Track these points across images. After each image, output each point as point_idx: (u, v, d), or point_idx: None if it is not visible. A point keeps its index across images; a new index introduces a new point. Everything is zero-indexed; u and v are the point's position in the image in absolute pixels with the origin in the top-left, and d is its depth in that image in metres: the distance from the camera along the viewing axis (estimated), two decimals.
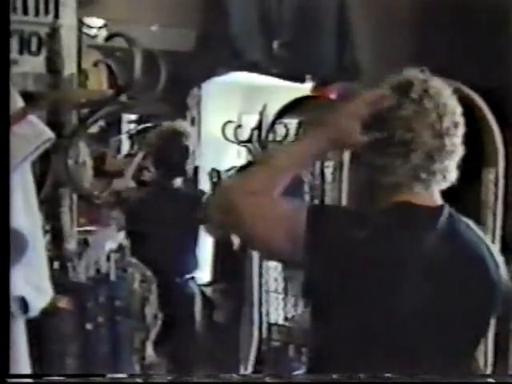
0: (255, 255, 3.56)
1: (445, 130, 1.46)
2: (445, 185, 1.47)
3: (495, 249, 1.56)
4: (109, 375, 1.43)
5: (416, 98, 1.44)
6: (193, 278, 3.42)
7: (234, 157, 4.45)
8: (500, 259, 1.54)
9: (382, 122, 1.44)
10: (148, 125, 4.54)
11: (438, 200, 1.48)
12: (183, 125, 3.63)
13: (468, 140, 2.77)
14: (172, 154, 3.36)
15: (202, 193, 3.54)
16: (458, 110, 1.53)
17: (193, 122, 4.54)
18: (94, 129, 3.88)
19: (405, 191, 1.46)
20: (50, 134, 1.59)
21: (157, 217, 3.17)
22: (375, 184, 1.49)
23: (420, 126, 1.44)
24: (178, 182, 3.44)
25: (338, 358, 1.44)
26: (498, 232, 2.69)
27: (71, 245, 2.04)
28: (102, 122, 3.94)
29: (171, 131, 3.46)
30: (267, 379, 1.37)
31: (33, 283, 1.53)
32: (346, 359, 1.42)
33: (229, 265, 3.82)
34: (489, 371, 2.58)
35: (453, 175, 1.48)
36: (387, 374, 1.36)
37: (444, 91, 1.52)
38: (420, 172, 1.45)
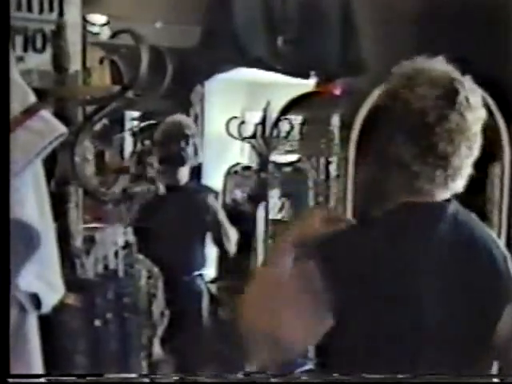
0: (260, 250, 3.57)
1: (475, 142, 1.44)
2: (461, 183, 1.45)
3: (501, 243, 1.56)
4: (110, 375, 1.42)
5: (460, 110, 1.40)
6: (200, 275, 3.42)
7: (238, 153, 4.46)
8: (507, 253, 1.54)
9: (429, 131, 1.39)
10: (151, 122, 4.54)
11: (444, 195, 1.46)
12: (183, 117, 3.61)
13: None
14: (174, 144, 3.36)
15: (208, 189, 3.54)
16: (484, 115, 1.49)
17: (196, 119, 4.55)
18: (97, 126, 3.88)
19: (414, 191, 1.44)
20: (63, 128, 1.58)
21: (163, 213, 3.18)
22: (388, 186, 1.47)
23: (460, 138, 1.40)
24: (183, 176, 3.43)
25: (346, 353, 1.44)
26: (504, 227, 2.68)
27: (78, 242, 2.04)
28: (105, 120, 3.94)
29: (172, 123, 3.47)
30: (272, 379, 1.37)
31: (45, 279, 1.53)
32: (355, 355, 1.42)
33: (233, 261, 3.82)
34: (494, 371, 2.58)
35: (467, 172, 1.46)
36: (389, 375, 1.36)
37: (478, 99, 1.47)
38: (448, 179, 1.43)
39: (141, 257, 2.15)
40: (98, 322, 1.84)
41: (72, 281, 1.81)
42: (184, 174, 3.43)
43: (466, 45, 2.80)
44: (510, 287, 1.50)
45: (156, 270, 2.21)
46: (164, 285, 2.27)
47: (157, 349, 2.25)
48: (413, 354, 1.42)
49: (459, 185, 1.45)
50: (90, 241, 2.09)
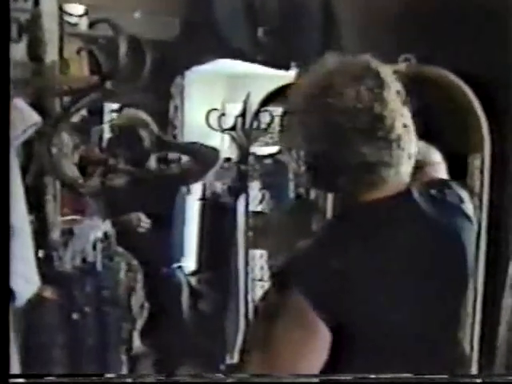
0: (240, 243, 3.55)
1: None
2: (411, 164, 1.46)
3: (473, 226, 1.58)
4: (112, 375, 1.40)
5: (389, 87, 1.40)
6: (179, 267, 3.40)
7: (218, 145, 4.43)
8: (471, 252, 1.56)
9: (381, 118, 1.39)
10: None
11: (407, 178, 1.47)
12: (137, 112, 3.57)
13: (454, 127, 2.79)
14: (129, 143, 3.34)
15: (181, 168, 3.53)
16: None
17: (176, 110, 4.51)
18: (75, 118, 3.84)
19: (382, 184, 1.43)
20: (36, 117, 1.56)
21: (139, 204, 3.16)
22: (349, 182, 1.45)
23: (393, 115, 1.39)
24: (150, 166, 3.40)
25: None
26: (484, 219, 2.69)
27: (56, 234, 2.01)
28: (83, 112, 3.90)
29: (126, 120, 3.44)
30: (266, 379, 1.37)
31: (19, 273, 1.50)
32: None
33: (214, 253, 3.81)
34: (475, 371, 2.60)
35: (414, 150, 1.46)
36: (385, 375, 1.36)
37: (390, 71, 1.46)
38: (409, 157, 1.44)
39: (120, 249, 2.12)
40: (75, 316, 1.82)
41: (49, 274, 1.78)
42: (151, 163, 3.40)
43: (447, 41, 2.80)
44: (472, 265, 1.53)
45: (135, 262, 2.19)
46: (143, 277, 2.25)
47: (136, 342, 2.24)
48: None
49: (410, 166, 1.46)
50: (68, 233, 2.06)
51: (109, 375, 1.41)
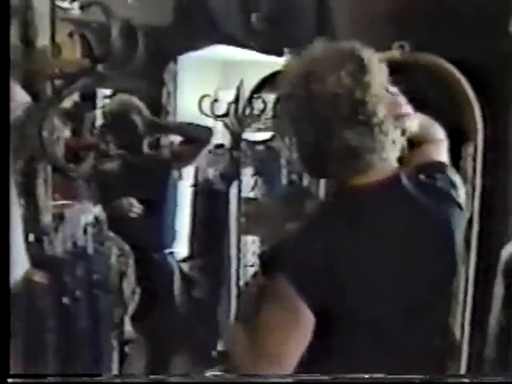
0: (233, 229, 3.55)
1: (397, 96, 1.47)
2: (397, 149, 1.47)
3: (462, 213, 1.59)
4: (111, 375, 1.40)
5: (372, 73, 1.41)
6: (171, 253, 3.40)
7: None
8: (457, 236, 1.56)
9: (361, 104, 1.40)
10: None
11: (395, 163, 1.48)
12: (132, 101, 3.55)
13: (447, 115, 2.78)
14: (122, 128, 3.32)
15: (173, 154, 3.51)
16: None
17: (169, 96, 4.49)
18: (67, 103, 3.82)
19: (368, 169, 1.45)
20: (25, 96, 1.54)
21: (130, 189, 3.15)
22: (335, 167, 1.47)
23: (380, 101, 1.41)
24: (143, 151, 3.39)
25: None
26: (477, 207, 2.69)
27: (46, 218, 2.00)
28: (76, 97, 3.88)
29: (118, 105, 3.42)
30: (264, 379, 1.38)
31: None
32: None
33: (206, 240, 3.81)
34: (463, 371, 2.61)
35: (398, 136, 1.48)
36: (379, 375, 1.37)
37: (375, 57, 1.47)
38: (394, 144, 1.45)
39: (111, 234, 2.11)
40: (66, 300, 1.81)
41: (40, 258, 1.77)
42: (143, 148, 3.38)
43: (441, 28, 2.79)
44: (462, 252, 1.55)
45: (127, 247, 2.18)
46: (135, 263, 2.24)
47: (128, 327, 2.23)
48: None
49: (396, 152, 1.47)
50: (59, 218, 2.05)
51: (110, 375, 1.41)
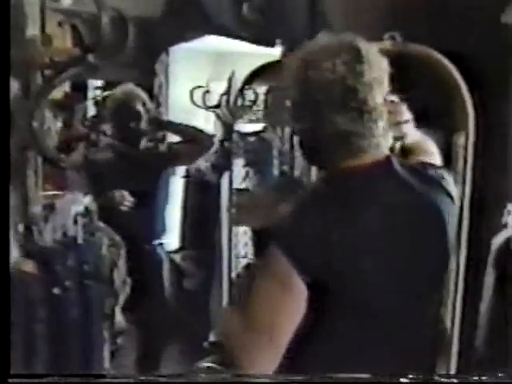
0: (224, 220, 3.54)
1: (389, 88, 1.52)
2: (389, 138, 1.53)
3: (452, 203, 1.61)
4: (111, 375, 1.39)
5: (369, 62, 1.48)
6: (161, 244, 3.39)
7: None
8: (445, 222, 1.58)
9: (353, 91, 1.47)
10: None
11: (386, 150, 1.53)
12: (136, 90, 3.54)
13: (438, 105, 2.78)
14: (125, 118, 3.30)
15: (170, 148, 3.50)
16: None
17: (160, 88, 4.48)
18: (58, 94, 3.80)
19: (353, 154, 1.50)
20: (15, 87, 1.53)
21: (122, 180, 3.14)
22: (329, 152, 1.52)
23: (379, 89, 1.48)
24: (140, 144, 3.38)
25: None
26: (467, 197, 2.70)
27: (36, 209, 1.99)
28: (67, 88, 3.86)
29: (123, 100, 3.40)
30: (263, 379, 1.37)
31: None
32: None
33: (197, 231, 3.80)
34: (453, 371, 2.62)
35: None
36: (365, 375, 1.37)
37: (375, 50, 1.54)
38: (385, 131, 1.51)
39: (102, 225, 2.11)
40: (56, 290, 1.81)
41: (30, 248, 1.77)
42: (135, 143, 3.37)
43: (432, 19, 2.79)
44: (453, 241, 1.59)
45: (118, 238, 2.17)
46: (126, 253, 2.24)
47: (119, 318, 2.23)
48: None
49: (388, 140, 1.53)
50: (49, 208, 2.04)
51: (111, 375, 1.40)
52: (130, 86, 3.45)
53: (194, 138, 3.45)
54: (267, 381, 1.39)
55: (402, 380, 1.33)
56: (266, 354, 1.41)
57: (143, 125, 3.33)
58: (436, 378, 1.53)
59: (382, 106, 1.50)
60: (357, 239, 1.42)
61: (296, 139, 1.62)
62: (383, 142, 1.52)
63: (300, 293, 1.39)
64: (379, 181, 1.50)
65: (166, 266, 3.36)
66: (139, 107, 3.33)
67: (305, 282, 1.39)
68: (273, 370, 1.40)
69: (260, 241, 1.49)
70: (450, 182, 1.64)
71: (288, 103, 1.57)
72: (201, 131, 3.54)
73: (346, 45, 1.49)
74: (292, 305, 1.40)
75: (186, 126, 3.65)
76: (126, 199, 3.09)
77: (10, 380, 1.23)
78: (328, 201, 1.45)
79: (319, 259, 1.39)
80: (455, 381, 1.65)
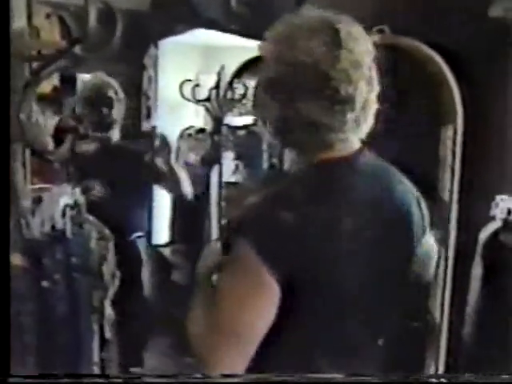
0: (213, 213, 3.54)
1: (372, 76, 1.42)
2: (370, 122, 1.45)
3: (423, 202, 1.56)
4: (114, 375, 1.38)
5: (347, 46, 1.37)
6: (139, 237, 3.36)
7: (192, 116, 4.41)
8: (426, 213, 1.55)
9: (325, 78, 1.36)
10: None
11: (356, 144, 1.46)
12: (105, 78, 3.52)
13: (426, 98, 2.79)
14: (95, 110, 3.30)
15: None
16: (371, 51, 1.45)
17: (150, 81, 4.47)
18: (47, 88, 3.78)
19: (327, 146, 1.42)
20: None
21: (108, 172, 3.12)
22: (303, 144, 1.45)
23: (357, 75, 1.38)
24: (115, 135, 3.36)
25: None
26: (456, 190, 2.71)
27: (24, 202, 1.99)
28: (56, 81, 3.85)
29: (91, 88, 3.40)
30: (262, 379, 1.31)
31: None
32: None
33: (187, 225, 3.80)
34: (443, 352, 2.64)
35: (374, 108, 1.45)
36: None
37: (360, 31, 1.44)
38: (356, 124, 1.42)
39: (90, 217, 2.10)
40: (45, 283, 1.80)
41: (18, 241, 1.76)
42: (114, 134, 3.35)
43: (421, 12, 2.80)
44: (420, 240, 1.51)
45: (106, 231, 2.17)
46: (114, 246, 2.23)
47: (108, 311, 2.23)
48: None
49: (367, 127, 1.45)
50: (37, 201, 2.03)
51: (112, 376, 1.39)
52: (100, 74, 3.45)
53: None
54: (245, 381, 1.33)
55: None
56: (234, 354, 1.33)
57: (115, 112, 3.32)
58: (425, 377, 1.51)
59: (358, 95, 1.38)
60: (331, 230, 1.36)
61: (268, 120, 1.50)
62: (352, 137, 1.43)
63: (272, 290, 1.31)
64: (343, 177, 1.42)
65: (146, 260, 3.33)
66: (111, 94, 3.34)
67: (276, 280, 1.30)
68: (241, 370, 1.33)
69: (228, 234, 1.39)
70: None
71: (261, 82, 1.46)
72: None
73: (325, 25, 1.38)
74: (263, 302, 1.31)
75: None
76: (94, 189, 3.07)
77: (11, 380, 1.22)
78: (298, 195, 1.37)
79: (289, 254, 1.32)
80: (444, 380, 1.66)
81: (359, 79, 1.39)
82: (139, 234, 3.35)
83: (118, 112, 3.35)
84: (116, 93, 3.37)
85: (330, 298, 1.38)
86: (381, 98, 1.47)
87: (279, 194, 1.41)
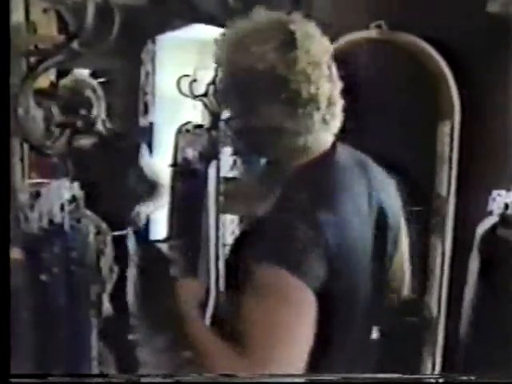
0: (211, 209, 3.54)
1: (333, 73, 1.41)
2: (339, 120, 1.43)
3: (399, 189, 1.56)
4: (115, 375, 1.37)
5: (304, 47, 1.35)
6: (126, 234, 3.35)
7: (190, 111, 4.41)
8: (398, 203, 1.54)
9: (286, 82, 1.33)
10: (100, 80, 4.45)
11: (329, 142, 1.43)
12: (85, 76, 3.50)
13: (423, 93, 2.80)
14: (73, 112, 3.28)
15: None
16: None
17: (147, 77, 4.47)
18: (44, 83, 3.78)
19: (300, 149, 1.40)
20: None
21: (106, 167, 3.12)
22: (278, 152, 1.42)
23: (317, 74, 1.36)
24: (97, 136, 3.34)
25: None
26: (453, 185, 2.72)
27: (23, 196, 1.99)
28: (52, 77, 3.84)
29: (70, 87, 3.38)
30: (263, 379, 1.23)
31: None
32: None
33: (185, 219, 3.80)
34: (437, 371, 2.64)
35: (341, 104, 1.43)
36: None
37: (314, 29, 1.42)
38: (324, 123, 1.40)
39: (88, 212, 2.11)
40: (44, 277, 1.81)
41: (16, 235, 1.76)
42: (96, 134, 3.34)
43: (418, 7, 2.80)
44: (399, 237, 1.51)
45: (104, 225, 2.17)
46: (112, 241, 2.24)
47: (106, 305, 2.23)
48: None
49: (337, 123, 1.43)
50: (35, 196, 2.04)
51: (114, 375, 1.38)
52: (80, 73, 3.43)
53: None
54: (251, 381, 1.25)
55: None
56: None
57: (94, 111, 3.30)
58: (423, 376, 1.51)
59: (322, 94, 1.35)
60: (339, 237, 1.34)
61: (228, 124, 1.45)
62: (323, 136, 1.40)
63: (312, 303, 1.27)
64: (322, 179, 1.39)
65: (130, 254, 3.31)
66: (89, 94, 3.31)
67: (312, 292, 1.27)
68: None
69: (243, 267, 1.33)
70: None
71: (219, 85, 1.43)
72: None
73: (278, 27, 1.36)
74: (309, 318, 1.26)
75: None
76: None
77: (12, 380, 1.22)
78: (301, 202, 1.34)
79: (315, 263, 1.29)
80: (441, 380, 1.66)
81: (319, 78, 1.36)
82: (127, 231, 3.34)
83: (98, 111, 3.32)
84: (94, 91, 3.34)
85: (346, 298, 1.37)
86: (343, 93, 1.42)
87: (283, 208, 1.37)
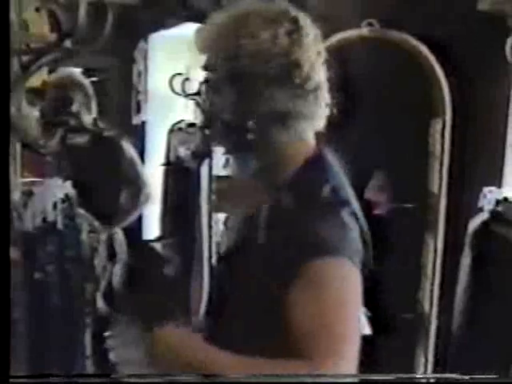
0: (204, 207, 3.55)
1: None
2: (323, 117, 1.41)
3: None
4: (118, 375, 1.36)
5: (307, 33, 1.34)
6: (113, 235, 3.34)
7: (182, 110, 4.41)
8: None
9: (299, 64, 1.32)
10: (93, 79, 4.45)
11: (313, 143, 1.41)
12: (73, 73, 3.48)
13: (415, 91, 2.81)
14: (58, 110, 3.26)
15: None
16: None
17: (139, 75, 4.47)
18: (37, 82, 3.78)
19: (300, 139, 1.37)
20: None
21: (98, 165, 3.12)
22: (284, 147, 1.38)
23: (318, 63, 1.36)
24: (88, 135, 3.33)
25: None
26: (445, 182, 2.73)
27: (16, 195, 1.99)
28: (45, 75, 3.84)
29: (58, 79, 3.36)
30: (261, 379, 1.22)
31: None
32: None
33: (178, 218, 3.80)
34: (429, 371, 2.65)
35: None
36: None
37: (308, 21, 1.39)
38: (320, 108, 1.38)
39: (81, 211, 2.11)
40: (38, 275, 1.81)
41: (10, 234, 1.76)
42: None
43: (409, 6, 2.81)
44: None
45: (97, 224, 2.18)
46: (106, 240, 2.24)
47: (100, 303, 2.23)
48: None
49: (323, 120, 1.41)
50: (28, 194, 2.04)
51: (116, 375, 1.37)
52: (72, 71, 3.42)
53: None
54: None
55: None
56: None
57: (86, 110, 3.27)
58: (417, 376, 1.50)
59: (324, 83, 1.35)
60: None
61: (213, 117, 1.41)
62: (319, 122, 1.39)
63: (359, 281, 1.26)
64: (315, 180, 1.35)
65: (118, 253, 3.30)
66: (81, 93, 3.28)
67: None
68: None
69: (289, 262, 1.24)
70: None
71: (207, 76, 1.40)
72: None
73: (283, 13, 1.33)
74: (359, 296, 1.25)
75: None
76: None
77: (11, 380, 1.22)
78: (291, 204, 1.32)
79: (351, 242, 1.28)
80: (432, 381, 1.66)
81: (321, 66, 1.37)
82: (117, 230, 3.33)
83: (90, 110, 3.30)
84: (87, 90, 3.32)
85: None
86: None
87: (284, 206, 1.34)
